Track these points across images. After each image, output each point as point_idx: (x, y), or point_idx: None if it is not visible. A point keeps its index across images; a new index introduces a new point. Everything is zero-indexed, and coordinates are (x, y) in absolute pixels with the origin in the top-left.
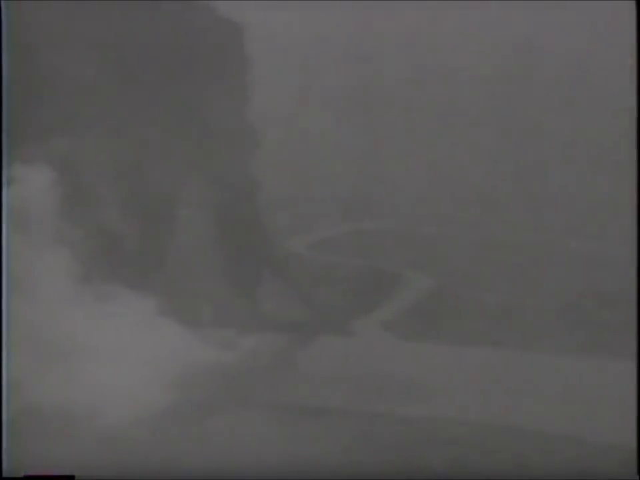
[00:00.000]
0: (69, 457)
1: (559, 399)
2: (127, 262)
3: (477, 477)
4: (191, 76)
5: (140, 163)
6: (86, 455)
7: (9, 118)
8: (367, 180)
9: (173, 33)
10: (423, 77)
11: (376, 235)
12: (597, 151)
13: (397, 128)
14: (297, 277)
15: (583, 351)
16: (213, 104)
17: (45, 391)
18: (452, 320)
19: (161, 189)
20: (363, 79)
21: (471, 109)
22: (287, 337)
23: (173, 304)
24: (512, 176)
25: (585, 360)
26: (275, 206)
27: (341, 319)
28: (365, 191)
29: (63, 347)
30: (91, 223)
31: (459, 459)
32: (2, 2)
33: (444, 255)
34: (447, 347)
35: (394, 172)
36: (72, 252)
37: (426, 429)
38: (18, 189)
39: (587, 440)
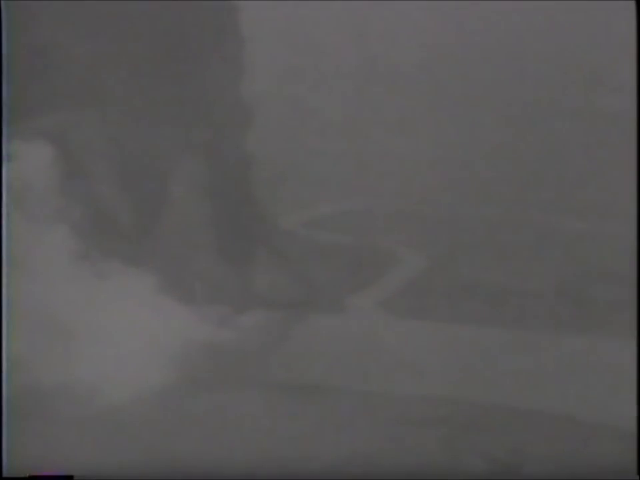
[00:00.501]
0: (69, 435)
1: (556, 378)
2: (122, 240)
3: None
4: (187, 54)
5: (134, 140)
6: (86, 433)
7: (9, 94)
8: (363, 158)
9: (171, 11)
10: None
11: (370, 213)
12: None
13: (394, 106)
14: (292, 255)
15: (581, 329)
16: (208, 81)
17: (46, 369)
18: (446, 298)
19: (156, 166)
20: (361, 56)
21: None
22: (281, 315)
23: (169, 281)
24: (510, 155)
25: (583, 339)
26: (270, 184)
27: (335, 296)
28: (359, 169)
29: (63, 324)
30: (88, 200)
31: (452, 438)
32: (2, 2)
33: (439, 234)
34: (440, 325)
35: (390, 150)
36: (71, 229)
37: (419, 407)
38: (17, 166)
39: (584, 421)
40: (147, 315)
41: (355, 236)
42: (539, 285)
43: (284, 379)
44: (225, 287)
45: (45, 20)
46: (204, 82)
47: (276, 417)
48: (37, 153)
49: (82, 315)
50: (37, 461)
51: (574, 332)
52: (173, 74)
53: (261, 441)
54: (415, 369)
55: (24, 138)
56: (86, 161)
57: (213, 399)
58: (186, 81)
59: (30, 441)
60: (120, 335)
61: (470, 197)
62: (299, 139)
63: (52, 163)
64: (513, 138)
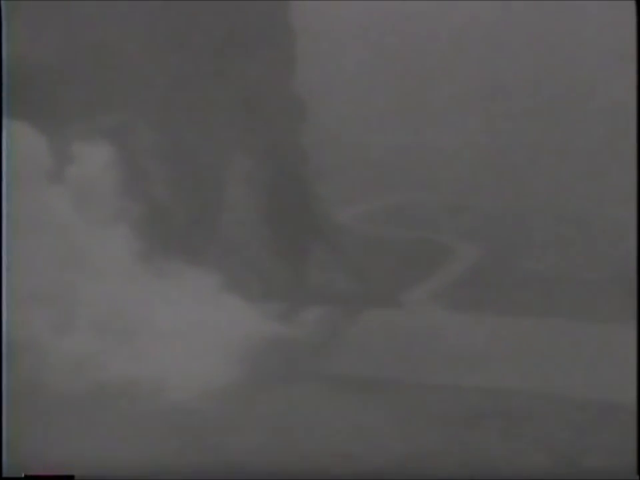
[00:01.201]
0: (136, 435)
1: (610, 367)
2: (181, 239)
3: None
4: (237, 49)
5: (188, 138)
6: (153, 431)
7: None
8: (414, 151)
9: (218, 5)
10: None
11: (421, 206)
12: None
13: (445, 99)
14: (346, 249)
15: (631, 319)
16: (258, 77)
17: (112, 368)
18: (501, 290)
19: (210, 165)
20: (408, 50)
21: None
22: (337, 310)
23: (229, 279)
24: (557, 148)
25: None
26: (322, 178)
27: (390, 290)
28: (412, 163)
29: (128, 323)
30: (147, 200)
31: (512, 429)
32: (2, 2)
33: (490, 226)
34: (496, 317)
35: (441, 145)
36: (131, 229)
37: (478, 400)
38: (78, 167)
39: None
40: (210, 312)
41: (409, 229)
42: (595, 275)
43: (341, 373)
44: (282, 283)
45: (98, 19)
46: (255, 78)
47: (339, 411)
48: (97, 154)
49: (146, 314)
50: (105, 460)
51: (631, 322)
52: (224, 71)
53: (326, 436)
54: (471, 362)
55: (83, 138)
56: (143, 161)
57: (276, 395)
58: (237, 78)
59: (96, 439)
60: (184, 332)
61: (519, 188)
62: (351, 134)
63: (112, 163)
64: (556, 129)
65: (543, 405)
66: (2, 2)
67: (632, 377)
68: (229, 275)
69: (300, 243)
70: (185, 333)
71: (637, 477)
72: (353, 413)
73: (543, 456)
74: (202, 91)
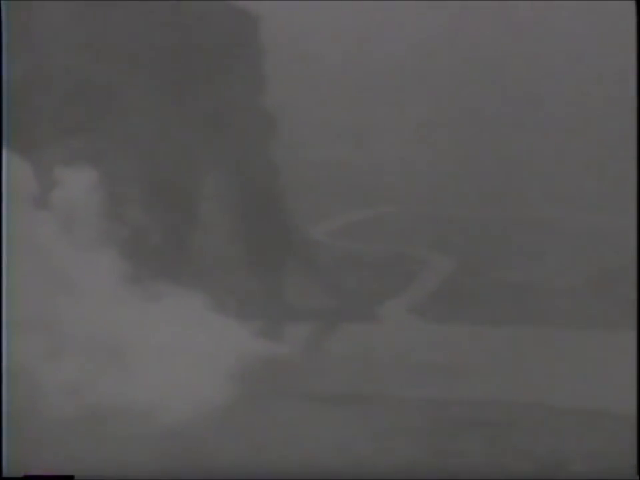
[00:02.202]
0: (132, 456)
1: (588, 374)
2: (160, 260)
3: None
4: (206, 67)
5: (159, 158)
6: (147, 453)
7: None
8: (385, 164)
9: (187, 24)
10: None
11: (395, 219)
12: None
13: (415, 112)
14: (320, 264)
15: (609, 327)
16: (227, 94)
17: (102, 392)
18: (476, 300)
19: (182, 183)
20: (378, 66)
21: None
22: (313, 325)
23: (205, 299)
24: (529, 153)
25: (612, 336)
26: (294, 195)
27: (367, 304)
28: (383, 176)
29: (116, 346)
30: (124, 222)
31: (493, 441)
32: (2, 2)
33: (463, 236)
34: (472, 327)
35: (411, 156)
36: (113, 252)
37: (457, 412)
38: (62, 191)
39: (619, 414)
40: (197, 332)
41: (382, 242)
42: (569, 283)
43: (319, 389)
44: (261, 300)
45: (58, 46)
46: (225, 95)
47: (313, 427)
48: (78, 177)
49: (135, 336)
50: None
51: (606, 329)
52: (191, 88)
53: (310, 450)
54: (450, 373)
55: (64, 162)
56: (118, 183)
57: (266, 411)
58: (206, 94)
59: (87, 460)
60: (173, 353)
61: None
62: (321, 149)
63: (91, 186)
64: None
65: (528, 413)
66: (2, 2)
67: (609, 381)
68: (210, 295)
69: (274, 259)
70: (175, 353)
71: (637, 478)
72: (327, 428)
73: (527, 463)
74: (172, 109)
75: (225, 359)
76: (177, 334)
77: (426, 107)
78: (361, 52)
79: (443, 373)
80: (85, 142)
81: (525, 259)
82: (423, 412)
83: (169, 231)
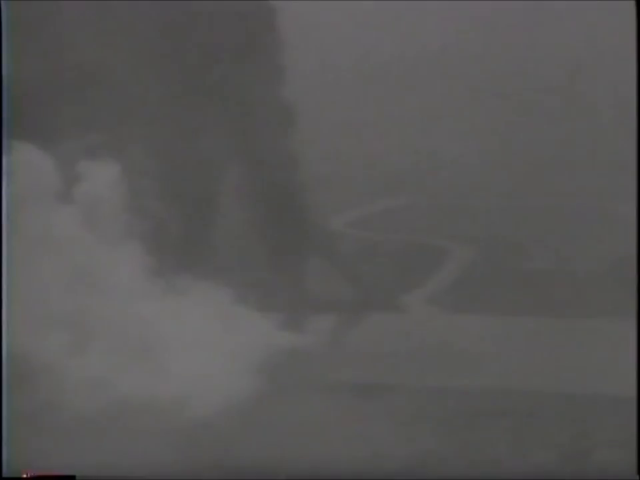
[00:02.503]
0: (160, 450)
1: (610, 362)
2: (175, 253)
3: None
4: (225, 59)
5: (177, 152)
6: (177, 446)
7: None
8: (403, 155)
9: (205, 16)
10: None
11: (414, 209)
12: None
13: (432, 102)
14: (340, 256)
15: (632, 315)
16: (246, 86)
17: (130, 386)
18: (497, 290)
19: (201, 177)
20: (400, 57)
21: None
22: (335, 316)
23: (227, 292)
24: (550, 141)
25: (635, 324)
26: (313, 185)
27: (387, 295)
28: (401, 166)
29: (143, 340)
30: (146, 216)
31: (515, 430)
32: (2, 2)
33: (483, 225)
34: (493, 317)
35: (430, 146)
36: (135, 246)
37: (481, 401)
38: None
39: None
40: (223, 325)
41: (402, 233)
42: (591, 271)
43: (343, 380)
44: (284, 293)
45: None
46: (243, 87)
47: (339, 419)
48: (99, 171)
49: (162, 330)
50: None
51: (630, 317)
52: (209, 81)
53: (329, 444)
54: (473, 363)
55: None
56: (139, 176)
57: (292, 402)
58: (225, 87)
59: (116, 456)
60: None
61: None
62: (339, 140)
63: (113, 180)
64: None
65: (552, 403)
66: (2, 2)
67: (630, 368)
68: (234, 288)
69: (295, 251)
70: (203, 345)
71: (637, 478)
72: (354, 420)
73: (550, 453)
74: (191, 102)
75: (251, 351)
76: (202, 327)
77: (446, 97)
78: (380, 43)
79: (465, 363)
80: (104, 136)
81: (545, 248)
82: (445, 402)
83: (190, 224)
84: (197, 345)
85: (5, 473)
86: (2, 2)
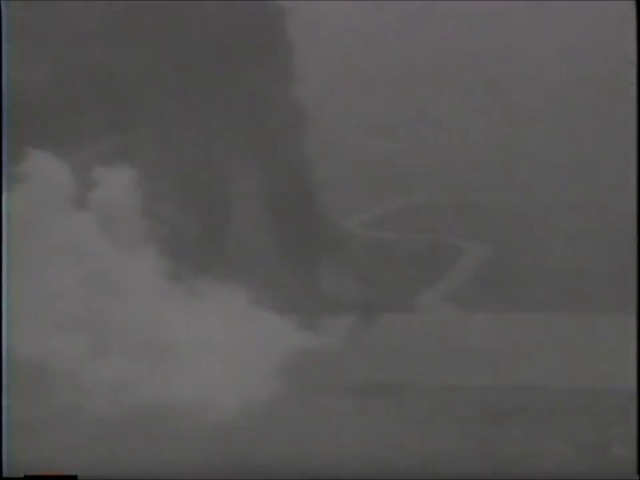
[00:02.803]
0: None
1: (629, 358)
2: (193, 255)
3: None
4: (237, 60)
5: (191, 153)
6: (197, 449)
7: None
8: (418, 154)
9: (217, 16)
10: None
11: (430, 208)
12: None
13: (448, 103)
14: (356, 256)
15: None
16: (259, 88)
17: (150, 389)
18: (513, 287)
19: (214, 179)
20: (411, 57)
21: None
22: (352, 316)
23: (250, 294)
24: (565, 139)
25: None
26: (327, 186)
27: (404, 293)
28: (415, 165)
29: (163, 344)
30: (160, 220)
31: (535, 426)
32: (2, 2)
33: (499, 223)
34: (510, 314)
35: (444, 145)
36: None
37: (500, 398)
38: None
39: None
40: (242, 326)
41: (416, 232)
42: (607, 267)
43: (362, 380)
44: (301, 293)
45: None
46: (256, 88)
47: (359, 418)
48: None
49: (181, 333)
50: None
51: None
52: (223, 82)
53: (357, 442)
54: (489, 360)
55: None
56: (153, 180)
57: (312, 403)
58: (238, 88)
59: (137, 459)
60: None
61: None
62: (353, 140)
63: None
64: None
65: (569, 398)
66: (2, 2)
67: None
68: (250, 289)
69: (309, 251)
70: (222, 347)
71: (637, 478)
72: (374, 419)
73: (570, 448)
74: (203, 103)
75: (270, 352)
76: (221, 329)
77: (458, 96)
78: (393, 43)
79: (482, 360)
80: (118, 140)
81: (561, 245)
82: (464, 400)
83: (205, 227)
84: (213, 347)
85: (5, 473)
86: (2, 2)
